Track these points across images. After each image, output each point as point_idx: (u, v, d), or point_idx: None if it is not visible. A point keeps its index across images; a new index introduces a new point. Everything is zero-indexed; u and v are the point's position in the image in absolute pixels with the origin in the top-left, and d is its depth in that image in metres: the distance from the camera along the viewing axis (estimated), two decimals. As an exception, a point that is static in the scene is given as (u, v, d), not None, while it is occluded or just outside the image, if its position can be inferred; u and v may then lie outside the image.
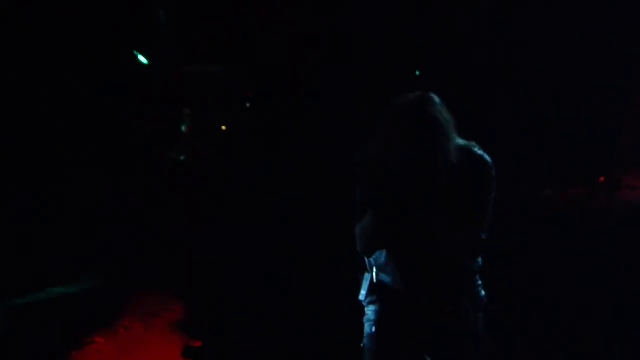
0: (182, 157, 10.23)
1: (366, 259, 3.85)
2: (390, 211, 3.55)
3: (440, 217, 3.56)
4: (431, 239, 3.60)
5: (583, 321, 5.90)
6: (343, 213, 4.20)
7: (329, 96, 9.80)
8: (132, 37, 9.84)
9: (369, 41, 9.68)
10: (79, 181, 8.93)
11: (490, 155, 3.64)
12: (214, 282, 7.23)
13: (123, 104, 9.75)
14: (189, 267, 7.70)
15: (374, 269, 3.80)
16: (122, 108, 9.73)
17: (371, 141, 3.58)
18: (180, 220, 8.82)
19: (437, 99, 3.57)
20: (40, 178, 8.72)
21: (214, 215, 8.98)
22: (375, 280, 3.80)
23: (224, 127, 10.37)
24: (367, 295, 3.84)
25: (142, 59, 9.94)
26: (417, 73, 9.21)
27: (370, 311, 3.82)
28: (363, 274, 3.87)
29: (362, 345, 3.83)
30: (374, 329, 3.77)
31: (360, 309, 3.90)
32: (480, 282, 3.79)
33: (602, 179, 8.45)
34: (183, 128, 10.34)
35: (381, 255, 3.75)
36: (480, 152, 3.63)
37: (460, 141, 3.59)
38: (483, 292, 3.79)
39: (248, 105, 10.44)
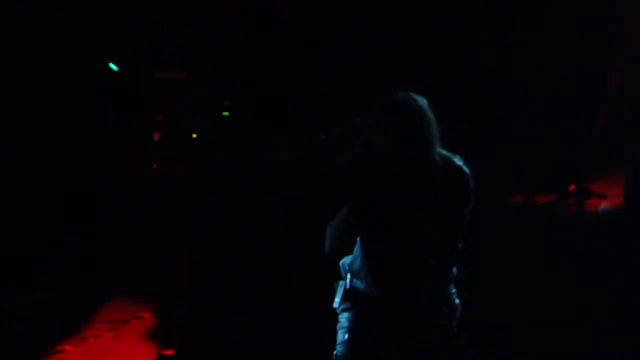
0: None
1: (340, 266, 3.86)
2: (367, 204, 3.58)
3: (425, 213, 3.58)
4: (411, 242, 3.62)
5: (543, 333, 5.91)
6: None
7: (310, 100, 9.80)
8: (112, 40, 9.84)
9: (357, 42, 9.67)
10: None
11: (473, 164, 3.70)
12: (202, 286, 7.13)
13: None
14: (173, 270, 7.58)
15: (348, 275, 3.81)
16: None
17: (358, 138, 3.64)
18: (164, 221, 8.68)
19: (423, 99, 3.64)
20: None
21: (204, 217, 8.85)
22: (348, 287, 3.80)
23: (194, 135, 10.32)
24: (340, 302, 3.84)
25: (112, 65, 9.89)
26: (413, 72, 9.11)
27: (343, 318, 3.83)
28: (338, 282, 3.87)
29: (334, 353, 3.82)
30: (346, 336, 3.77)
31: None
32: (454, 291, 3.81)
33: (572, 187, 8.48)
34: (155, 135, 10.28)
35: (355, 261, 3.76)
36: (460, 163, 3.68)
37: (443, 151, 3.65)
38: (457, 300, 3.82)
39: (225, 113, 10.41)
